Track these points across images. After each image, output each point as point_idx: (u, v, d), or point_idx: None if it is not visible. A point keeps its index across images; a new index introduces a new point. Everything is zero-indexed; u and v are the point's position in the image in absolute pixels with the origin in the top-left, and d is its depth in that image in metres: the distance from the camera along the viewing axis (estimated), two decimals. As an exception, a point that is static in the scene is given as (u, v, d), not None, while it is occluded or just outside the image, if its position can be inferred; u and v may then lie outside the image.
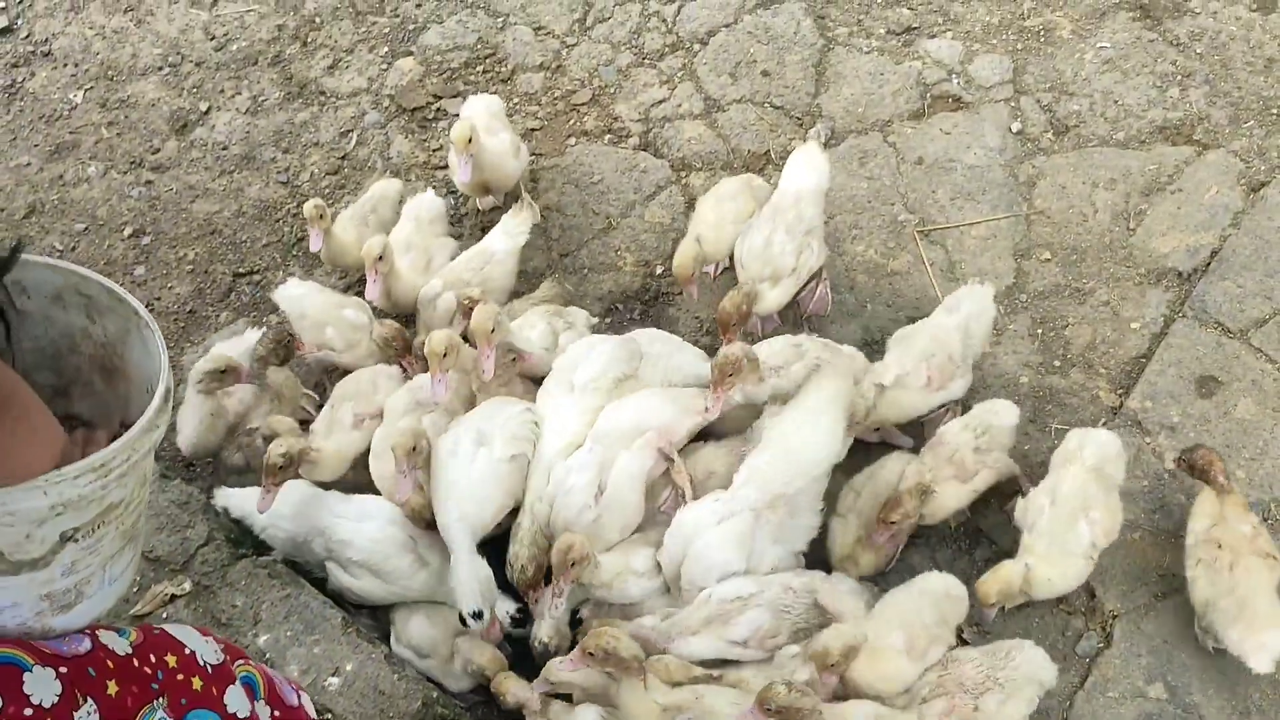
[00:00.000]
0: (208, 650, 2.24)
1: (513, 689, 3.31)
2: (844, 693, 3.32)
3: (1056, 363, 4.14)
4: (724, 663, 3.43)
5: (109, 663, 2.07)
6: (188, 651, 2.28)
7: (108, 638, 2.05)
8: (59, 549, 1.75)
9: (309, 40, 5.42)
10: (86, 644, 2.06)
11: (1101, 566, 3.64)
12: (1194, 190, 4.41)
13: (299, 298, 4.19)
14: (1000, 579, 3.42)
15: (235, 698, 2.20)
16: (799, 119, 4.86)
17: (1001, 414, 3.75)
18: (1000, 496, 3.79)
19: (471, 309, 3.80)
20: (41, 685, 1.92)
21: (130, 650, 2.13)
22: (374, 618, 3.73)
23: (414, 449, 3.51)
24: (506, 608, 3.60)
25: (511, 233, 4.31)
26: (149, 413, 1.78)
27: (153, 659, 2.14)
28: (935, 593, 3.45)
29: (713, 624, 3.40)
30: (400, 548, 3.53)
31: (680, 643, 3.41)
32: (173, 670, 2.14)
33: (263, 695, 2.34)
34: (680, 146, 4.83)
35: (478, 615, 3.35)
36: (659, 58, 5.13)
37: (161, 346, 1.86)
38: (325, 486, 3.74)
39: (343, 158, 5.02)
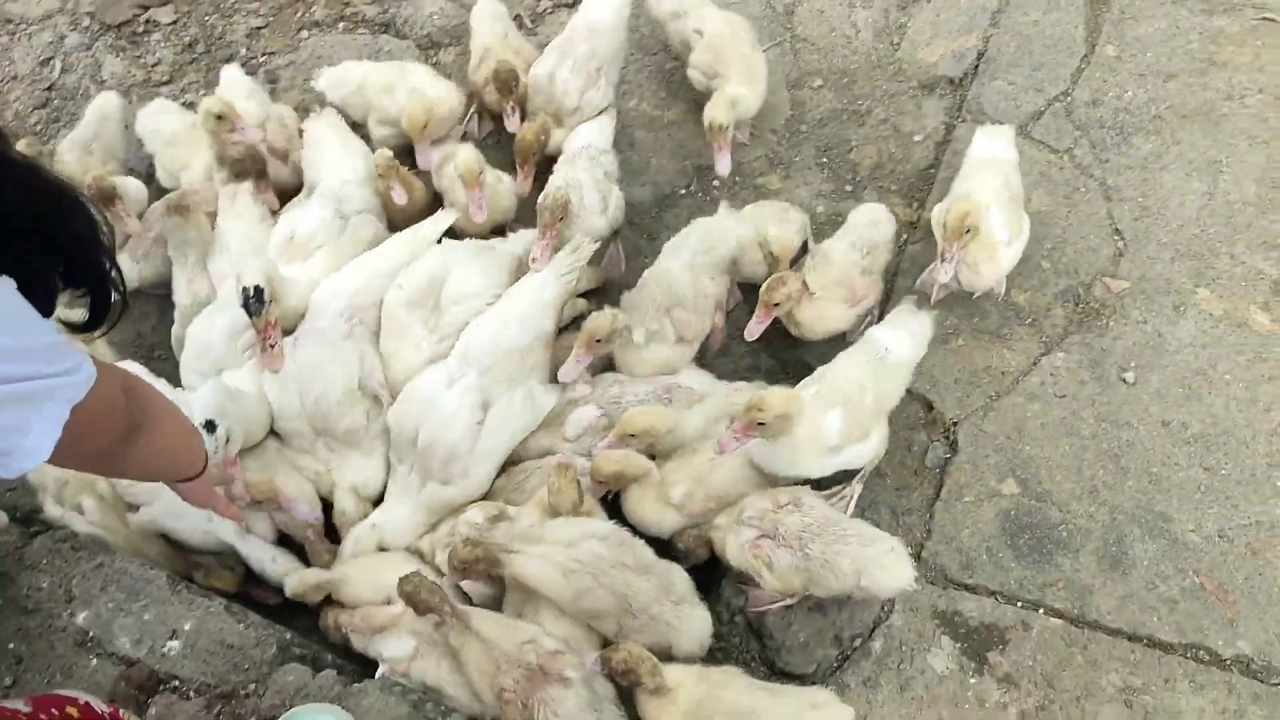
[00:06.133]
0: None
1: None
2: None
3: (848, 187, 4.08)
4: None
5: None
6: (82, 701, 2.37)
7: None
8: None
9: (-19, -35, 4.81)
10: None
11: (933, 377, 3.63)
12: (950, -4, 4.39)
13: None
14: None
15: None
16: (542, -23, 4.61)
17: (881, 225, 3.68)
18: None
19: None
20: None
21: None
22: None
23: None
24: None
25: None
26: None
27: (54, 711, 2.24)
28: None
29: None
30: None
31: None
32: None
33: None
34: (422, 23, 4.51)
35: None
36: (383, -70, 4.75)
37: None
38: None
39: (49, 88, 4.48)
